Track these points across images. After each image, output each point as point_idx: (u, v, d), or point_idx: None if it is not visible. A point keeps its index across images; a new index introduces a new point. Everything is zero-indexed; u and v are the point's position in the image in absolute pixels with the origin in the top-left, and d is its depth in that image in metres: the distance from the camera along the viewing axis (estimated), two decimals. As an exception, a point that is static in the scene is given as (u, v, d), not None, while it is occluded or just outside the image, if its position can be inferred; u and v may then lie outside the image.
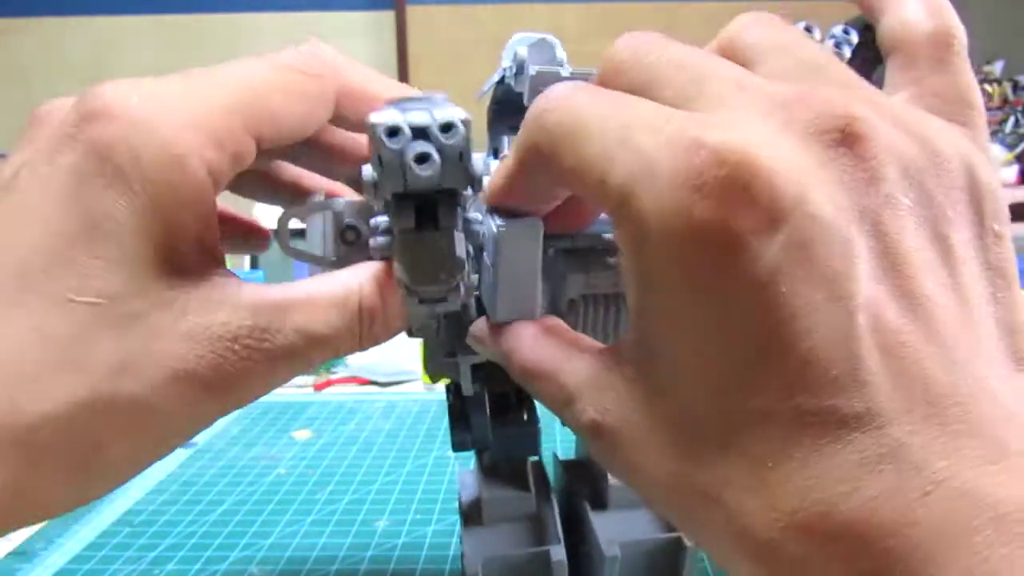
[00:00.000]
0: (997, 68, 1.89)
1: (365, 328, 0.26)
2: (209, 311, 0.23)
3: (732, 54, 0.21)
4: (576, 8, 2.38)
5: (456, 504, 0.50)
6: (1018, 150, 1.60)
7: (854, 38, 0.26)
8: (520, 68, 0.29)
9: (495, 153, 0.33)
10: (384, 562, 0.44)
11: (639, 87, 0.20)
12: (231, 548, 0.45)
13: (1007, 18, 2.37)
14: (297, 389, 0.76)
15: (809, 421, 0.16)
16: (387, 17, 2.38)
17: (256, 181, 0.32)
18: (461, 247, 0.23)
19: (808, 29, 0.25)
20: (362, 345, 0.26)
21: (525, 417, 0.36)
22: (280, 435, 0.63)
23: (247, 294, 0.24)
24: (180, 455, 0.59)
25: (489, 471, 0.37)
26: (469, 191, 0.24)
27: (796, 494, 0.16)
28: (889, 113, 0.18)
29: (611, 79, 0.21)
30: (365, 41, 2.41)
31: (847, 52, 0.26)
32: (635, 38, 0.21)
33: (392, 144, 0.21)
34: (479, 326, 0.27)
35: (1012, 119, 1.80)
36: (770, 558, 0.16)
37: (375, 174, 0.22)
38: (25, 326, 0.21)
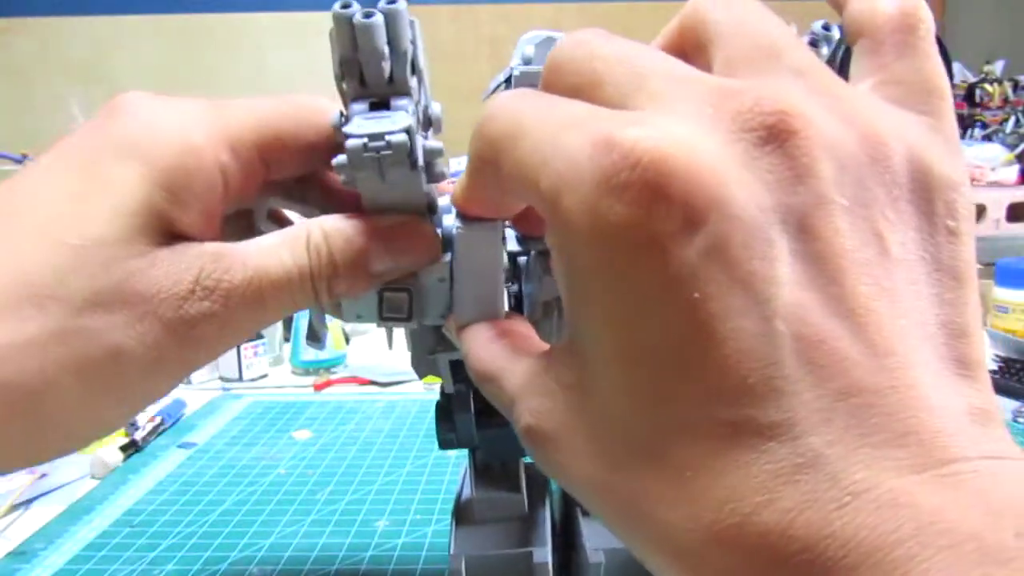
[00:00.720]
0: (997, 68, 1.89)
1: (315, 267, 0.26)
2: (176, 260, 0.25)
3: (692, 32, 0.21)
4: (576, 8, 2.38)
5: (456, 504, 0.50)
6: (1018, 150, 1.60)
7: (836, 34, 0.25)
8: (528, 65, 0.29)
9: None
10: (384, 562, 0.44)
11: (580, 87, 0.19)
12: (231, 548, 0.45)
13: (1007, 18, 2.37)
14: (297, 389, 0.76)
15: (726, 430, 0.15)
16: (387, 17, 2.38)
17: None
18: (408, 116, 0.24)
19: None
20: (317, 291, 0.26)
21: None
22: (280, 435, 0.63)
23: (211, 244, 0.26)
24: (180, 455, 0.59)
25: (482, 470, 0.37)
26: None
27: (714, 505, 0.15)
28: (837, 105, 0.17)
29: (553, 81, 0.20)
30: (365, 41, 2.41)
31: (825, 50, 0.25)
32: (575, 36, 0.20)
33: (342, 11, 0.23)
34: (449, 323, 0.27)
35: (1012, 119, 1.79)
36: (695, 569, 0.16)
37: (340, 74, 0.25)
38: (8, 262, 0.23)
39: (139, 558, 0.44)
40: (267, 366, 0.80)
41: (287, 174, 0.29)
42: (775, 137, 0.16)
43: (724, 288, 0.15)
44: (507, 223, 0.30)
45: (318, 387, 0.76)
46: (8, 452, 0.24)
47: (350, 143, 0.24)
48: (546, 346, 0.22)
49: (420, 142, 0.25)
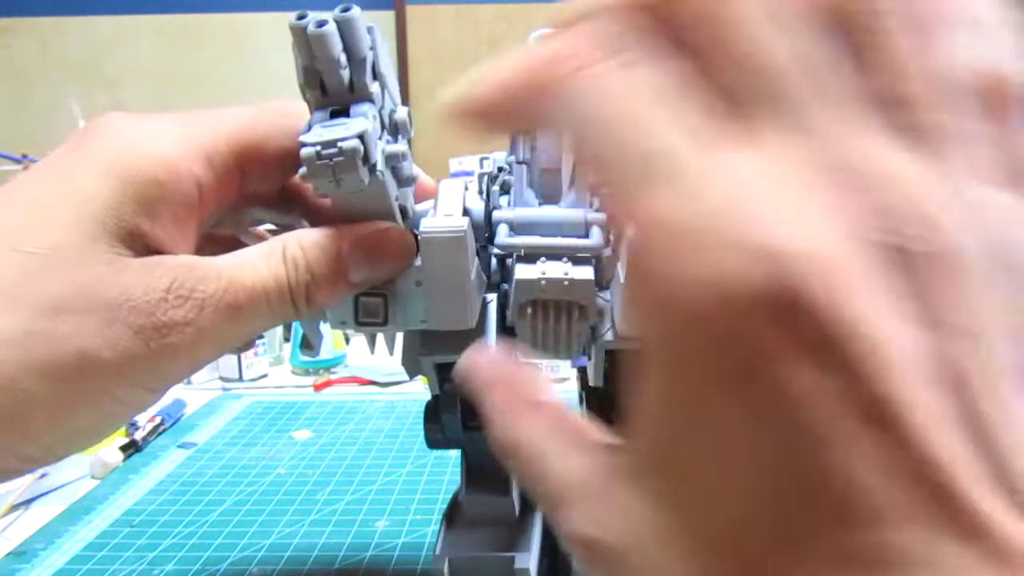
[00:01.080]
0: (997, 68, 1.90)
1: (292, 278, 0.26)
2: (149, 269, 0.25)
3: (847, 18, 0.15)
4: (576, 8, 2.38)
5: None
6: (1018, 150, 1.61)
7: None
8: None
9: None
10: (384, 562, 0.44)
11: (697, 48, 0.15)
12: (231, 548, 0.45)
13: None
14: (297, 389, 0.76)
15: (848, 558, 0.13)
16: (387, 17, 2.38)
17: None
18: (365, 122, 0.24)
19: None
20: (296, 304, 0.26)
21: None
22: (280, 435, 0.63)
23: (186, 256, 0.26)
24: (180, 455, 0.59)
25: (475, 472, 0.36)
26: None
27: None
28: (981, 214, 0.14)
29: (672, 11, 0.15)
30: (365, 41, 2.41)
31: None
32: None
33: (297, 22, 0.24)
34: (464, 363, 0.22)
35: (1012, 119, 1.80)
36: None
37: (302, 84, 0.25)
38: None
39: (139, 558, 0.44)
40: (267, 366, 0.80)
41: (267, 183, 0.29)
42: (930, 269, 0.14)
43: (849, 417, 0.13)
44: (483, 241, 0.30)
45: (318, 387, 0.76)
46: None
47: (303, 151, 0.24)
48: (599, 436, 0.18)
49: (379, 147, 0.25)
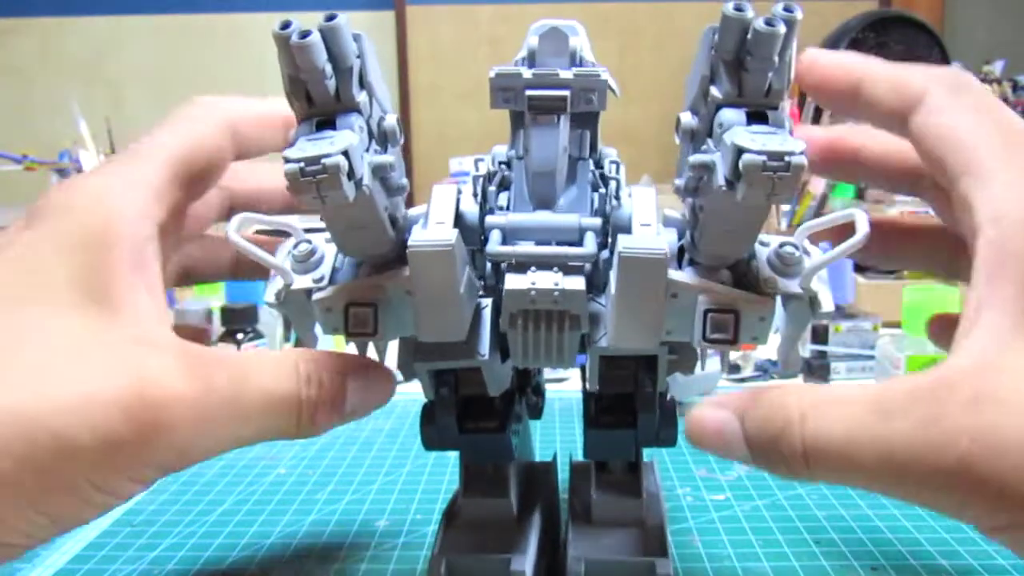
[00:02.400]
0: (997, 68, 1.89)
1: (303, 395, 0.25)
2: (141, 347, 0.23)
3: None
4: (576, 8, 2.38)
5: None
6: (1018, 150, 1.61)
7: (798, 15, 0.23)
8: (532, 60, 0.28)
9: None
10: (384, 562, 0.44)
11: None
12: (231, 548, 0.45)
13: (1007, 18, 2.37)
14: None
15: None
16: (387, 17, 2.38)
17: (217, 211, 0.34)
18: (350, 136, 0.24)
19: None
20: (301, 419, 0.26)
21: (496, 423, 0.34)
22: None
23: (187, 343, 0.24)
24: (180, 455, 0.59)
25: (474, 473, 0.36)
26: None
27: None
28: None
29: None
30: (365, 41, 2.41)
31: (781, 28, 0.23)
32: None
33: (281, 32, 0.24)
34: (696, 413, 0.24)
35: (1012, 119, 1.80)
36: None
37: (288, 92, 0.25)
38: None
39: (139, 558, 0.44)
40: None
41: (207, 177, 0.29)
42: None
43: None
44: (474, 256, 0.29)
45: (318, 387, 0.76)
46: None
47: (286, 168, 0.23)
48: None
49: (365, 160, 0.25)
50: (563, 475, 0.43)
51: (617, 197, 0.30)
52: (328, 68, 0.24)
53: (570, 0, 2.29)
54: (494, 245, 0.28)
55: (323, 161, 0.23)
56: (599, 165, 0.31)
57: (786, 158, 0.22)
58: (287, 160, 0.23)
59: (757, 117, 0.24)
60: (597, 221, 0.28)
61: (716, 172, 0.23)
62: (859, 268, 1.00)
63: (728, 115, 0.24)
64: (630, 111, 2.27)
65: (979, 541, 0.44)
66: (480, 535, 0.35)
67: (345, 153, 0.23)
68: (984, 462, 0.18)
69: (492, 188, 0.31)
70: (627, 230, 0.29)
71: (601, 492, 0.36)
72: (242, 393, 0.24)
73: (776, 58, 0.23)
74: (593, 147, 0.30)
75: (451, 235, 0.26)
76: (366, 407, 0.27)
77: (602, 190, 0.30)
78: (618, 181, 0.30)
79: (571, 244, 0.28)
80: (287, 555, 0.45)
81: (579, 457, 0.40)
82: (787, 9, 0.23)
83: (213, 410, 0.23)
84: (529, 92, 0.27)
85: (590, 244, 0.28)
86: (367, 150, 0.25)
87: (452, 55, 2.37)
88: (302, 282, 0.29)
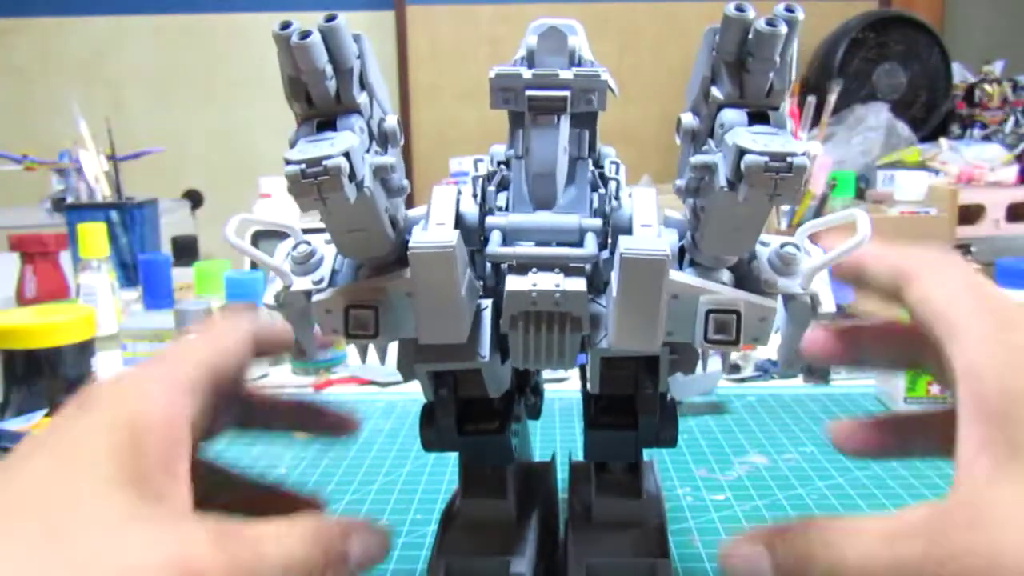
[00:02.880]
0: (997, 68, 1.89)
1: (315, 563, 0.26)
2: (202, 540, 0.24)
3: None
4: (576, 8, 2.38)
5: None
6: (1017, 150, 1.60)
7: (799, 16, 0.23)
8: (531, 60, 0.28)
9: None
10: (384, 562, 0.44)
11: None
12: (231, 548, 0.45)
13: (1007, 18, 2.37)
14: (297, 389, 0.76)
15: None
16: (387, 17, 2.38)
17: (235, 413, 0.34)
18: (351, 137, 0.24)
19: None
20: None
21: (496, 424, 0.34)
22: (280, 435, 0.63)
23: (202, 518, 0.25)
24: (180, 455, 0.59)
25: (474, 475, 0.36)
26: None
27: None
28: None
29: None
30: (365, 41, 2.41)
31: (782, 28, 0.23)
32: None
33: (281, 32, 0.23)
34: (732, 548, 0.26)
35: (1012, 119, 1.80)
36: None
37: (288, 95, 0.25)
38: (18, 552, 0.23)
39: (139, 558, 0.44)
40: (267, 366, 0.80)
41: (233, 379, 0.30)
42: None
43: None
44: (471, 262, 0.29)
45: (318, 387, 0.76)
46: None
47: (287, 170, 0.23)
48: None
49: (366, 162, 0.25)
50: (562, 474, 0.43)
51: (617, 197, 0.30)
52: (328, 69, 0.24)
53: (570, 0, 2.29)
54: (494, 246, 0.27)
55: (324, 163, 0.23)
56: (598, 165, 0.31)
57: (788, 159, 0.22)
58: (288, 161, 0.23)
59: (758, 118, 0.24)
60: (597, 222, 0.28)
61: (717, 173, 0.23)
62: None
63: (729, 115, 0.24)
64: (630, 111, 2.27)
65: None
66: (479, 536, 0.35)
67: (346, 154, 0.23)
68: (982, 571, 0.21)
69: (491, 188, 0.30)
70: (627, 231, 0.29)
71: (601, 493, 0.36)
72: (262, 565, 0.25)
73: (777, 58, 0.23)
74: (592, 147, 0.30)
75: (452, 236, 0.26)
76: (367, 562, 0.28)
77: (602, 190, 0.30)
78: (618, 181, 0.30)
79: (571, 245, 0.28)
80: (287, 555, 0.45)
81: (579, 457, 0.39)
82: (788, 9, 0.23)
83: None
84: (529, 92, 0.27)
85: (591, 245, 0.27)
86: (367, 151, 0.25)
87: (452, 55, 2.37)
88: (301, 284, 0.29)
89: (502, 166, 0.31)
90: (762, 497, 0.50)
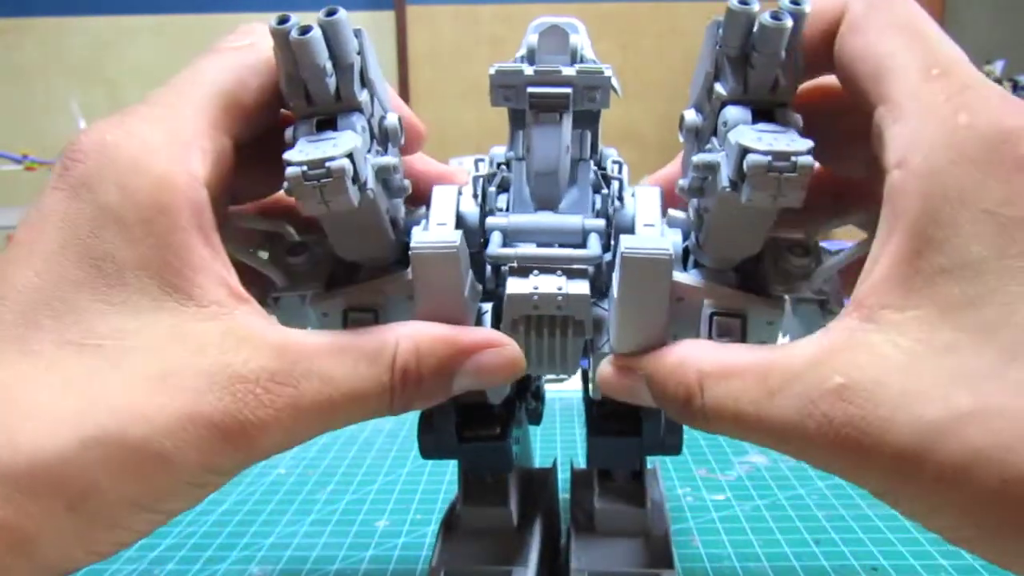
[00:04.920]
0: (997, 68, 1.89)
1: (398, 387, 0.24)
2: (229, 348, 0.22)
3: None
4: (576, 8, 2.38)
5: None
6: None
7: (806, 8, 0.23)
8: (532, 58, 0.27)
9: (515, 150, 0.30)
10: (384, 562, 0.44)
11: None
12: (231, 548, 0.45)
13: (1007, 18, 2.37)
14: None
15: None
16: (387, 17, 2.38)
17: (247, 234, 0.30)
18: (354, 138, 0.23)
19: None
20: (394, 408, 0.24)
21: (497, 431, 0.33)
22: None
23: (273, 334, 0.23)
24: (180, 455, 0.59)
25: (473, 482, 0.35)
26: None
27: None
28: None
29: None
30: (365, 41, 2.41)
31: (788, 21, 0.22)
32: None
33: (279, 26, 0.22)
34: (605, 374, 0.26)
35: (1012, 119, 1.80)
36: None
37: (287, 93, 0.24)
38: (37, 370, 0.21)
39: (139, 558, 0.44)
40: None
41: (253, 124, 0.26)
42: None
43: None
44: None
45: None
46: (60, 550, 0.21)
47: (289, 172, 0.22)
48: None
49: (368, 163, 0.24)
50: (562, 475, 0.42)
51: (620, 198, 0.29)
52: (329, 66, 0.23)
53: (571, 0, 2.29)
54: (495, 247, 0.27)
55: (327, 165, 0.22)
56: (600, 166, 0.31)
57: (792, 158, 0.21)
58: (288, 163, 0.22)
59: (764, 115, 0.23)
60: (601, 222, 0.28)
61: (720, 172, 0.23)
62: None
63: (733, 113, 0.23)
64: (632, 111, 2.27)
65: (979, 541, 0.43)
66: (480, 545, 0.34)
67: (350, 156, 0.22)
68: (853, 448, 0.20)
69: (492, 189, 0.30)
70: (630, 231, 0.28)
71: (604, 501, 0.35)
72: (332, 398, 0.23)
73: (783, 53, 0.22)
74: (594, 148, 0.30)
75: (455, 236, 0.25)
76: (479, 388, 0.26)
77: (604, 191, 0.30)
78: (621, 181, 0.30)
79: (574, 246, 0.27)
80: (287, 555, 0.45)
81: (580, 463, 0.39)
82: (794, 2, 0.22)
83: (304, 419, 0.22)
84: (531, 89, 0.27)
85: (594, 246, 0.27)
86: (369, 151, 0.25)
87: (452, 55, 2.37)
88: (296, 286, 0.28)
89: (502, 167, 0.30)
90: (762, 497, 0.50)
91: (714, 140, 0.24)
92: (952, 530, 0.20)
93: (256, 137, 0.26)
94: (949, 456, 0.18)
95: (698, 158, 0.24)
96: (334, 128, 0.24)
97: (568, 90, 0.27)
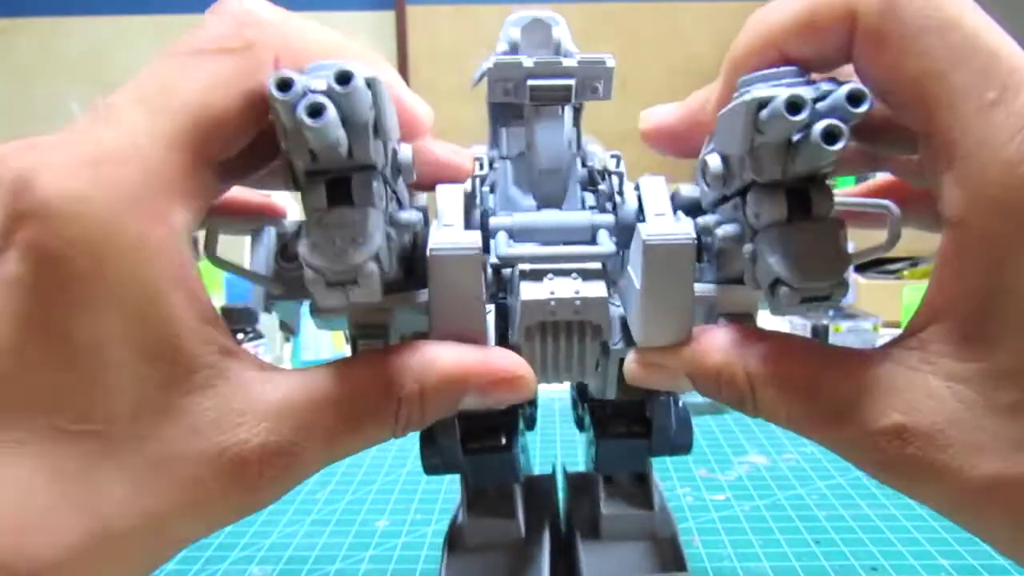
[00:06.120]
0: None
1: (401, 426, 0.23)
2: (226, 428, 0.20)
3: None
4: (576, 8, 2.38)
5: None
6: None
7: (864, 110, 0.19)
8: (514, 52, 0.26)
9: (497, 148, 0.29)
10: (384, 562, 0.44)
11: None
12: (231, 548, 0.45)
13: (1007, 18, 2.36)
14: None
15: None
16: (387, 17, 2.37)
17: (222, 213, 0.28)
18: (377, 225, 0.21)
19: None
20: (396, 434, 0.24)
21: (503, 441, 0.32)
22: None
23: (270, 397, 0.21)
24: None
25: (477, 494, 0.34)
26: (393, 179, 0.22)
27: None
28: None
29: None
30: (365, 41, 2.41)
31: (842, 142, 0.19)
32: None
33: (282, 96, 0.18)
34: (633, 369, 0.25)
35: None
36: None
37: (286, 149, 0.20)
38: (29, 465, 0.19)
39: (139, 558, 0.44)
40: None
41: (241, 143, 0.22)
42: None
43: None
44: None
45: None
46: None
47: (308, 276, 0.20)
48: (854, 349, 0.22)
49: (389, 246, 0.22)
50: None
51: (620, 192, 0.27)
52: (343, 136, 0.20)
53: (571, 0, 2.29)
54: (503, 247, 0.25)
55: (355, 272, 0.20)
56: (584, 163, 0.29)
57: (829, 291, 0.21)
58: (307, 265, 0.20)
59: (799, 198, 0.21)
60: (609, 217, 0.26)
61: (748, 268, 0.22)
62: (859, 268, 1.00)
63: (767, 209, 0.21)
64: (631, 111, 2.25)
65: (979, 541, 0.43)
66: (487, 561, 0.33)
67: (376, 258, 0.20)
68: (904, 481, 0.20)
69: (485, 189, 0.28)
70: (634, 227, 0.27)
71: (610, 506, 0.34)
72: (330, 453, 0.22)
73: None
74: (577, 144, 0.28)
75: (475, 237, 0.23)
76: (485, 405, 0.24)
77: (601, 186, 0.28)
78: (621, 175, 0.28)
79: (582, 243, 0.26)
80: (287, 555, 0.45)
81: (573, 468, 0.38)
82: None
83: (303, 475, 0.22)
84: (531, 82, 0.26)
85: (606, 242, 0.25)
86: (386, 209, 0.22)
87: (452, 55, 2.37)
88: (294, 296, 0.27)
89: (489, 168, 0.29)
90: (762, 497, 0.50)
91: (738, 201, 0.23)
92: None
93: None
94: (1001, 515, 0.19)
95: (724, 231, 0.23)
96: (348, 193, 0.21)
97: (571, 81, 0.26)
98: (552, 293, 0.24)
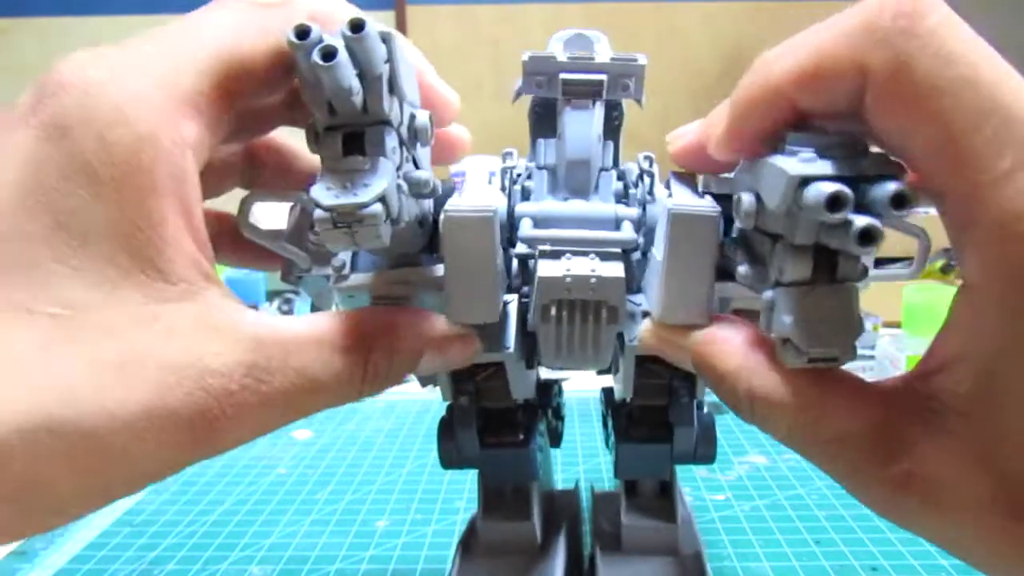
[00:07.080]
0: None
1: (369, 376, 0.23)
2: (201, 338, 0.20)
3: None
4: (576, 8, 2.38)
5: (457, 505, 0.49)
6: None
7: (906, 212, 0.19)
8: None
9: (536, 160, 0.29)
10: (384, 562, 0.44)
11: None
12: (231, 548, 0.45)
13: (1007, 18, 2.37)
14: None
15: None
16: (387, 17, 2.37)
17: (240, 170, 0.29)
18: (387, 171, 0.21)
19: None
20: (362, 394, 0.24)
21: (520, 437, 0.32)
22: (280, 435, 0.63)
23: (247, 323, 0.21)
24: (180, 455, 0.59)
25: (493, 495, 0.34)
26: (406, 137, 0.23)
27: None
28: None
29: None
30: (365, 41, 2.41)
31: (877, 244, 0.19)
32: None
33: (299, 42, 0.20)
34: (646, 336, 0.25)
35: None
36: None
37: (307, 100, 0.21)
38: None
39: (139, 558, 0.44)
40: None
41: (264, 95, 0.23)
42: None
43: None
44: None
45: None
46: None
47: (317, 216, 0.21)
48: (876, 386, 0.21)
49: (400, 194, 0.23)
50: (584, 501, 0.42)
51: (651, 192, 0.28)
52: (356, 84, 0.21)
53: (571, 0, 2.29)
54: (527, 230, 0.26)
55: (360, 212, 0.21)
56: (622, 180, 0.29)
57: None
58: (317, 206, 0.21)
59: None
60: (634, 210, 0.27)
61: (764, 313, 0.22)
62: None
63: (792, 269, 0.21)
64: (630, 111, 2.27)
65: (979, 541, 0.43)
66: (501, 564, 0.32)
67: (382, 199, 0.21)
68: (906, 521, 0.21)
69: (517, 188, 0.29)
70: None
71: (631, 516, 0.33)
72: (305, 391, 0.22)
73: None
74: (616, 161, 0.29)
75: (492, 200, 0.24)
76: (440, 370, 0.26)
77: (634, 191, 0.29)
78: (652, 176, 0.28)
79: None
80: (287, 555, 0.45)
81: (601, 486, 0.37)
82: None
83: (274, 413, 0.22)
84: (564, 76, 0.26)
85: (628, 231, 0.26)
86: (399, 168, 0.23)
87: (452, 55, 2.37)
88: (322, 269, 0.27)
89: (520, 177, 0.29)
90: (762, 497, 0.50)
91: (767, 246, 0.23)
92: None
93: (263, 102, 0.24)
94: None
95: (744, 271, 0.24)
96: (362, 146, 0.22)
97: (602, 76, 0.26)
98: (568, 271, 0.24)
